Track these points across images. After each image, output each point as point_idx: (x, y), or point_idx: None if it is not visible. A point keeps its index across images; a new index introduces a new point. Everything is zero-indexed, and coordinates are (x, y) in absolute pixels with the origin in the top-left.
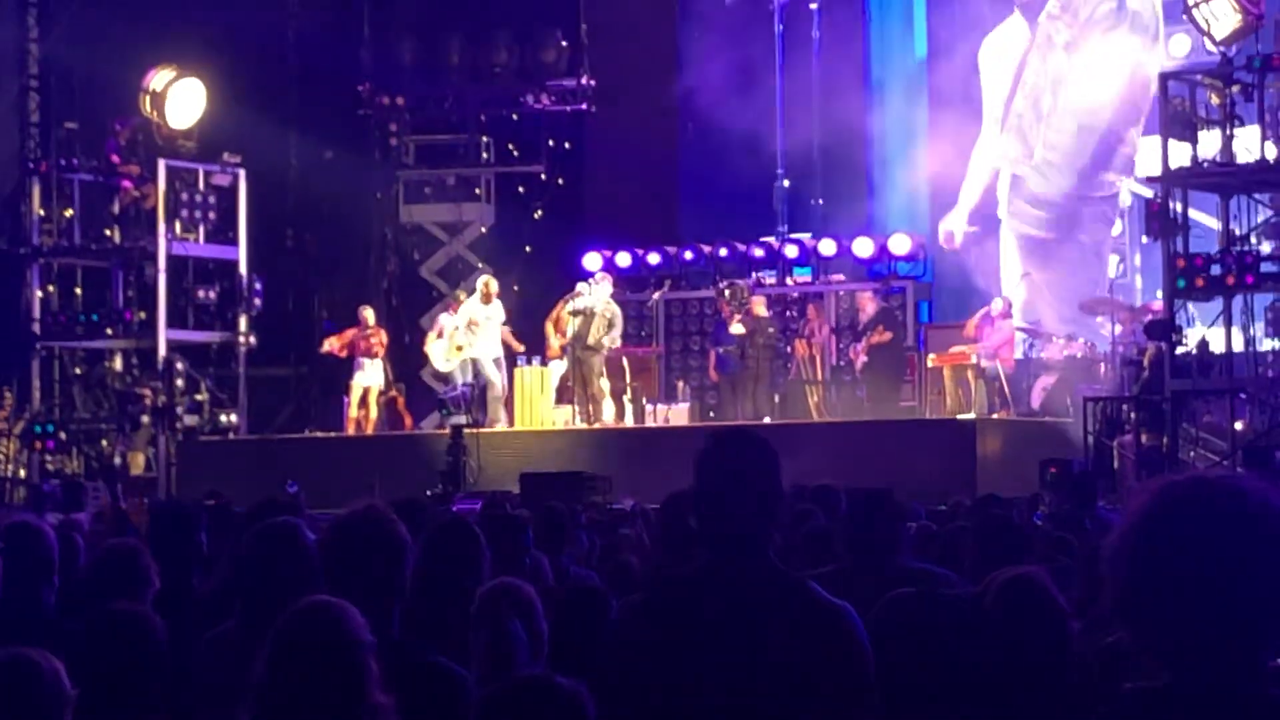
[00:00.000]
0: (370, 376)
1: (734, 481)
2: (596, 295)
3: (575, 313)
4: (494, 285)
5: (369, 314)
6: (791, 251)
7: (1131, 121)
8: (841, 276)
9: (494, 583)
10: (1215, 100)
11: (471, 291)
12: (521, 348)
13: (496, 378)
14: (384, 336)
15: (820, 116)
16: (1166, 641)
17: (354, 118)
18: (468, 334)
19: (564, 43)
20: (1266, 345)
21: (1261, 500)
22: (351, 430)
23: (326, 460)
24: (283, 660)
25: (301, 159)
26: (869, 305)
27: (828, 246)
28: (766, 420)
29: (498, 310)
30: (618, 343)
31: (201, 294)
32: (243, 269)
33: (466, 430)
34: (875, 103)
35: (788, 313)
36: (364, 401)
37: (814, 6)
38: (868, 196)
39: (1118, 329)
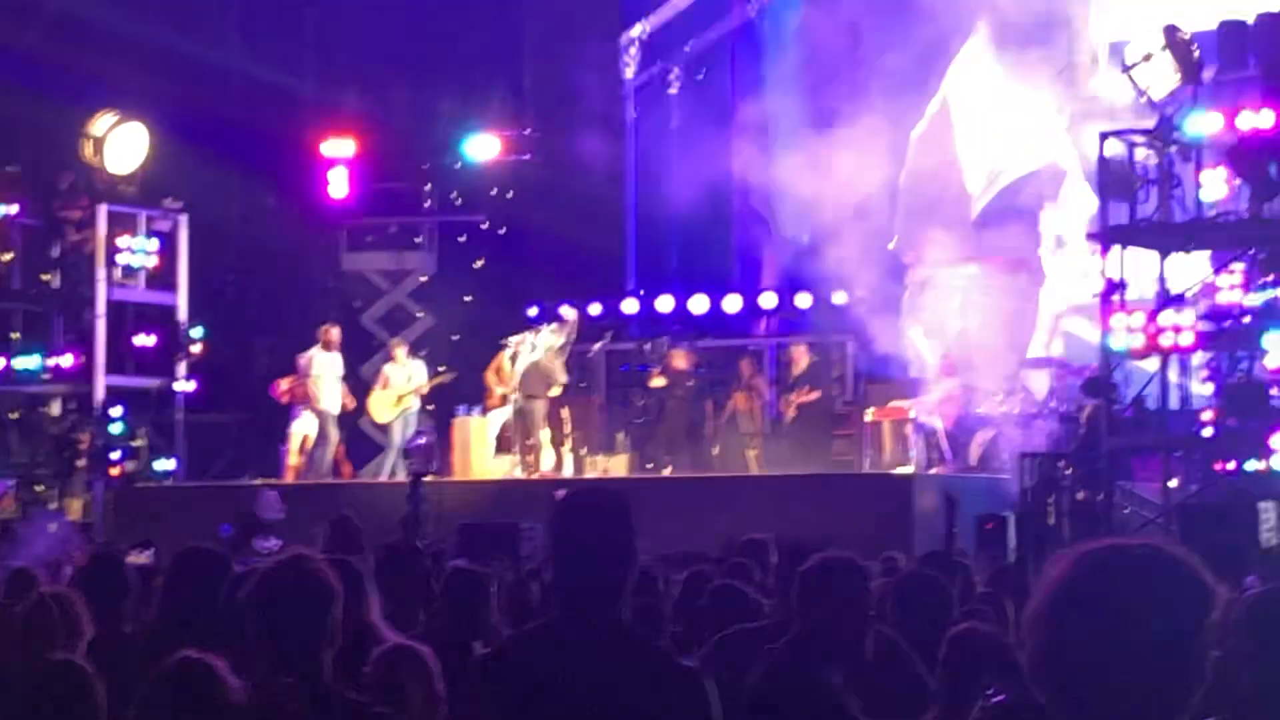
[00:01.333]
0: (308, 424)
1: (586, 540)
2: (541, 338)
3: (515, 358)
4: (335, 333)
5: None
6: (733, 304)
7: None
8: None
9: (392, 645)
10: (1153, 160)
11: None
12: (352, 403)
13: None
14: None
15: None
16: (1079, 705)
17: (297, 164)
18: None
19: (507, 92)
20: (1201, 403)
21: (1177, 568)
22: (290, 478)
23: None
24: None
25: (244, 205)
26: (802, 359)
27: (768, 299)
28: (666, 472)
29: (338, 360)
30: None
31: (141, 339)
32: (183, 315)
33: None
34: None
35: (727, 365)
36: (303, 449)
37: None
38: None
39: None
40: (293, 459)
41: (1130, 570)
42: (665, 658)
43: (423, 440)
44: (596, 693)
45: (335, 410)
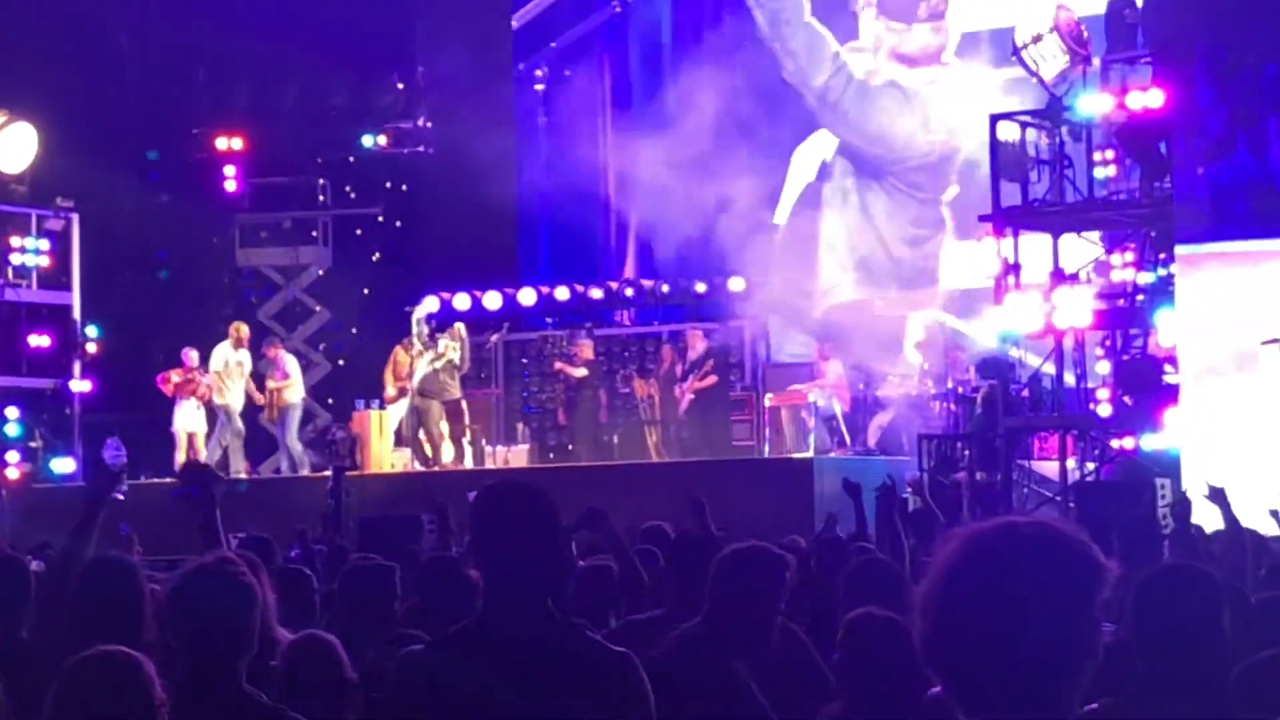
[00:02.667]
0: (190, 419)
1: (508, 532)
2: (440, 349)
3: (418, 355)
4: (244, 330)
5: (193, 355)
6: (630, 292)
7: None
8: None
9: (299, 636)
10: (1044, 141)
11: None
12: (261, 398)
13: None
14: (207, 379)
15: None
16: (971, 687)
17: (189, 161)
18: (220, 380)
19: (400, 85)
20: (1096, 381)
21: (1067, 545)
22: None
23: (162, 507)
24: (68, 709)
25: (136, 203)
26: (699, 344)
27: (665, 287)
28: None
29: (247, 357)
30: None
31: (35, 340)
32: (76, 314)
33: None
34: None
35: (625, 353)
36: (191, 445)
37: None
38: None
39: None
40: (180, 455)
41: (1020, 549)
42: (597, 646)
43: (340, 434)
44: (531, 686)
45: (239, 406)
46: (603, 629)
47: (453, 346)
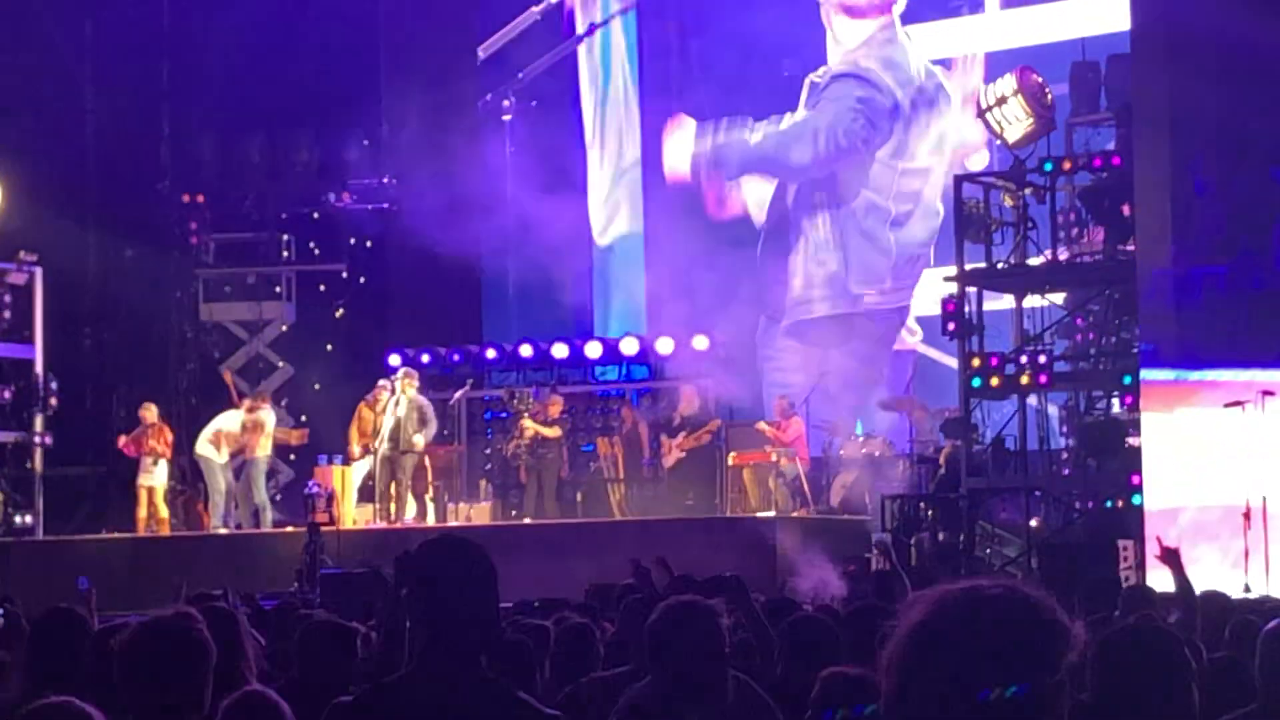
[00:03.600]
0: (151, 476)
1: (446, 588)
2: (406, 395)
3: (381, 410)
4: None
5: (150, 412)
6: (594, 350)
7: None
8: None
9: (239, 694)
10: (1009, 202)
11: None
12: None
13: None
14: (168, 435)
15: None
16: None
17: (153, 215)
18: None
19: (365, 141)
20: (1060, 442)
21: (1033, 609)
22: (142, 531)
23: (124, 561)
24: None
25: (100, 257)
26: (694, 401)
27: (630, 345)
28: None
29: (270, 418)
30: (429, 439)
31: None
32: (39, 368)
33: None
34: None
35: (589, 410)
36: (151, 501)
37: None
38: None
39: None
40: (141, 511)
41: (986, 612)
42: (527, 707)
43: (316, 489)
44: None
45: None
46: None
47: (409, 383)
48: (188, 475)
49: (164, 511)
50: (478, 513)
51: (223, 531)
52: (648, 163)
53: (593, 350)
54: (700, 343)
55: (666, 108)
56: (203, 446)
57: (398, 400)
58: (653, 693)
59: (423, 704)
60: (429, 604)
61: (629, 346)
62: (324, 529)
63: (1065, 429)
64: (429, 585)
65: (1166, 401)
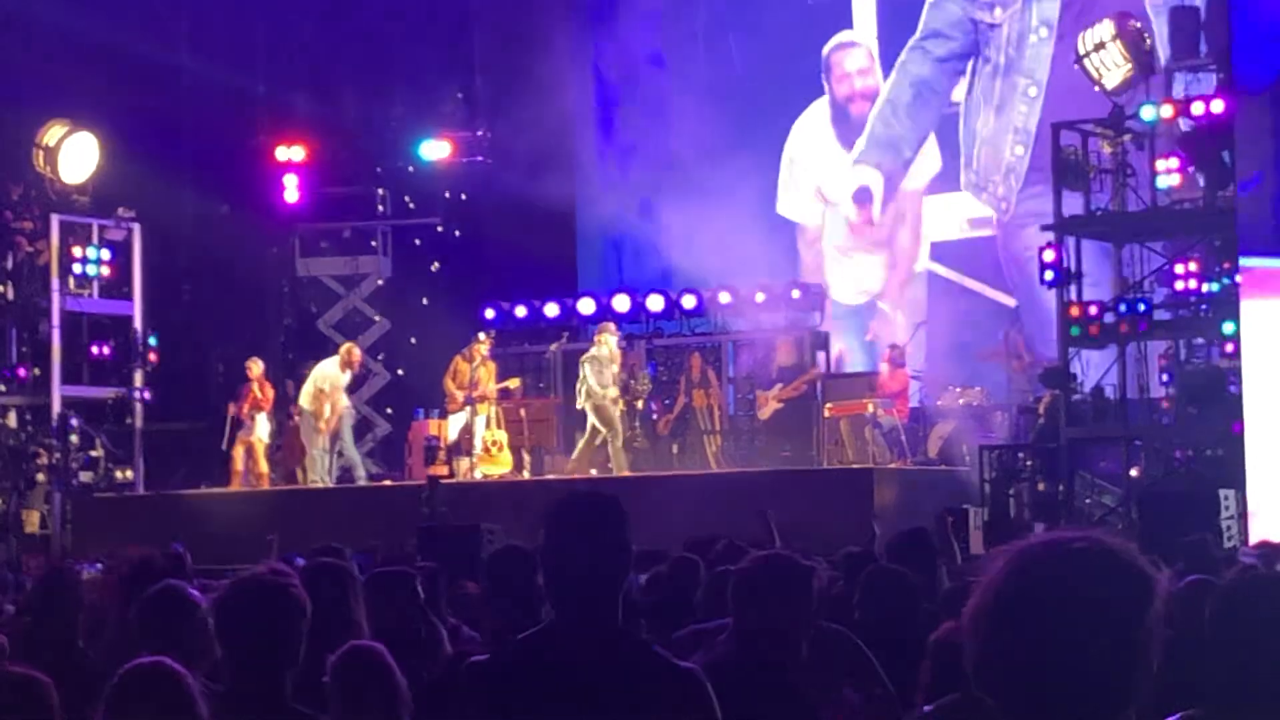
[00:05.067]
0: (252, 432)
1: (581, 542)
2: (603, 345)
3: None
4: (356, 354)
5: (255, 367)
6: (689, 302)
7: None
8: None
9: (346, 648)
10: (1108, 149)
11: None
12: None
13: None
14: (270, 391)
15: None
16: (1023, 707)
17: (248, 171)
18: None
19: (459, 94)
20: (1159, 391)
21: (1116, 559)
22: (236, 485)
23: (227, 516)
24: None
25: (196, 213)
26: (787, 353)
27: (724, 296)
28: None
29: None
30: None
31: (96, 349)
32: (138, 324)
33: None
34: None
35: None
36: (251, 456)
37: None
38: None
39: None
40: (238, 465)
41: (1068, 564)
42: (664, 661)
43: (436, 441)
44: (597, 700)
45: (341, 422)
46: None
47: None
48: (283, 430)
49: (264, 466)
50: (573, 465)
51: (319, 486)
52: None
53: (687, 301)
54: (795, 293)
55: None
56: (305, 400)
57: (610, 352)
58: (732, 645)
59: (559, 660)
60: (567, 558)
61: (723, 298)
62: (443, 481)
63: (1166, 377)
64: (564, 538)
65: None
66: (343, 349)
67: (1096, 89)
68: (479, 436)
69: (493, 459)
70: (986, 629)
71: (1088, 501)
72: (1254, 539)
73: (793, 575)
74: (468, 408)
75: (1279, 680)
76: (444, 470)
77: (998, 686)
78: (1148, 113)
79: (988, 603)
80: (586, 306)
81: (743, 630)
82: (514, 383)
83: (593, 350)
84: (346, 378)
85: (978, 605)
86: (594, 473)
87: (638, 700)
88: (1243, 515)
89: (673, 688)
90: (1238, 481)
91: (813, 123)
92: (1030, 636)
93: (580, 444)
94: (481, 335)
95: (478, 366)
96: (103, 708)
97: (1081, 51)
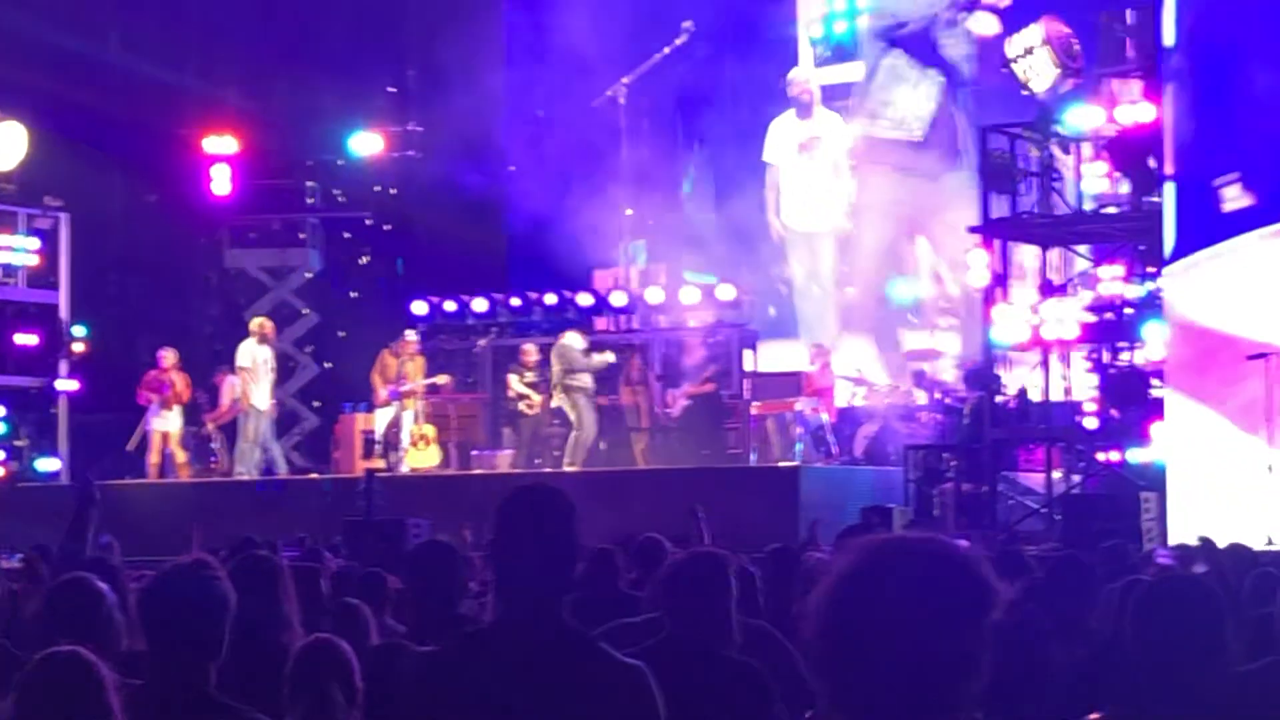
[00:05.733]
0: (165, 421)
1: (527, 537)
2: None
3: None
4: (269, 326)
5: (169, 356)
6: (619, 299)
7: None
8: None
9: (310, 640)
10: (1034, 153)
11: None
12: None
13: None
14: (181, 381)
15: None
16: (857, 703)
17: (179, 161)
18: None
19: (391, 89)
20: (1084, 394)
21: (957, 564)
22: (153, 477)
23: (149, 508)
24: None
25: (125, 203)
26: (697, 352)
27: (654, 295)
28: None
29: (271, 354)
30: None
31: (22, 339)
32: (64, 313)
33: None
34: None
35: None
36: (165, 446)
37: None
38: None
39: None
40: (153, 457)
41: (911, 564)
42: (610, 658)
43: (372, 436)
44: (544, 695)
45: (265, 405)
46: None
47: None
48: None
49: (180, 456)
50: (501, 461)
51: (245, 478)
52: None
53: (617, 299)
54: (724, 292)
55: None
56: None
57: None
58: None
59: (505, 655)
60: (512, 551)
61: (653, 296)
62: (379, 474)
63: (1091, 380)
64: (513, 532)
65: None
66: (253, 324)
67: (1025, 93)
68: (406, 431)
69: (421, 453)
70: (819, 618)
71: (1010, 503)
72: (1173, 541)
73: (717, 569)
74: (395, 402)
75: (1191, 681)
76: (381, 464)
77: (824, 675)
78: (1074, 117)
79: (825, 593)
80: (515, 302)
81: (674, 623)
82: (443, 379)
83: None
84: (266, 351)
85: (817, 594)
86: (539, 462)
87: (583, 696)
88: (1161, 517)
89: (618, 684)
90: (1158, 484)
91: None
92: (864, 635)
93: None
94: (409, 333)
95: (405, 361)
96: (14, 695)
97: (1010, 56)
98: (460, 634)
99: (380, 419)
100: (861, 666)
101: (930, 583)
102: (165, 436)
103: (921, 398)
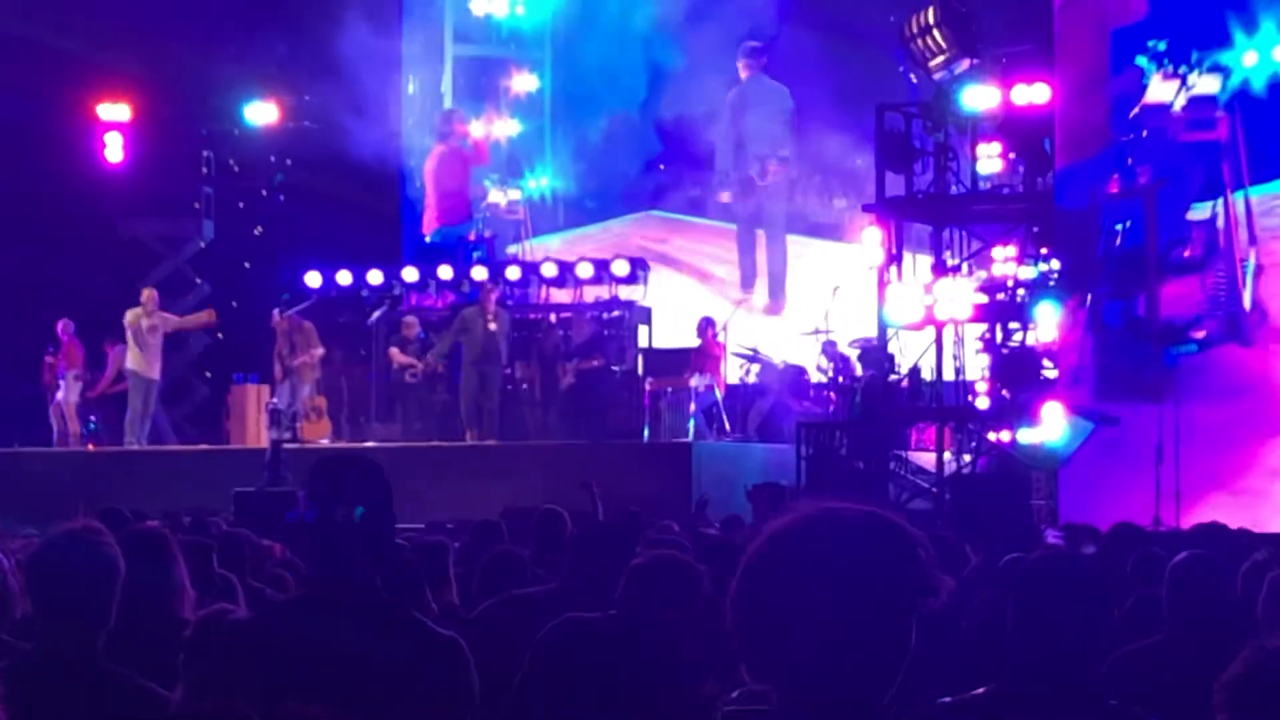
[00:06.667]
0: (72, 391)
1: (336, 506)
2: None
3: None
4: (151, 293)
5: (67, 326)
6: (513, 273)
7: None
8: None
9: (209, 611)
10: (930, 131)
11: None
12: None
13: None
14: (76, 351)
15: None
16: (780, 681)
17: (71, 128)
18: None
19: (286, 58)
20: (976, 373)
21: (881, 535)
22: (58, 446)
23: (39, 476)
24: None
25: (15, 169)
26: (585, 328)
27: (549, 269)
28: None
29: (161, 321)
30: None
31: None
32: None
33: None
34: None
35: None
36: (61, 416)
37: None
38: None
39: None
40: (73, 426)
41: (832, 537)
42: (424, 629)
43: (277, 405)
44: (353, 663)
45: (153, 374)
46: None
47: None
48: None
49: (72, 426)
50: (392, 433)
51: (136, 448)
52: None
53: (511, 273)
54: (619, 268)
55: None
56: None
57: (495, 315)
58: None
59: (314, 624)
60: (324, 523)
61: (548, 270)
62: (286, 446)
63: (982, 359)
64: (323, 503)
65: None
66: (144, 295)
67: (921, 72)
68: (300, 402)
69: (313, 425)
70: (743, 602)
71: (902, 480)
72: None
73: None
74: (288, 375)
75: (1072, 660)
76: (286, 435)
77: (754, 662)
78: (969, 98)
79: (746, 575)
80: (410, 274)
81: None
82: (318, 350)
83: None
84: (152, 320)
85: (737, 577)
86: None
87: (394, 667)
88: (1054, 495)
89: (431, 656)
90: (1048, 463)
91: None
92: (784, 611)
93: None
94: (276, 312)
95: (291, 333)
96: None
97: (907, 34)
98: (273, 603)
99: (281, 391)
100: (780, 648)
101: (849, 557)
102: (68, 407)
103: (816, 375)
